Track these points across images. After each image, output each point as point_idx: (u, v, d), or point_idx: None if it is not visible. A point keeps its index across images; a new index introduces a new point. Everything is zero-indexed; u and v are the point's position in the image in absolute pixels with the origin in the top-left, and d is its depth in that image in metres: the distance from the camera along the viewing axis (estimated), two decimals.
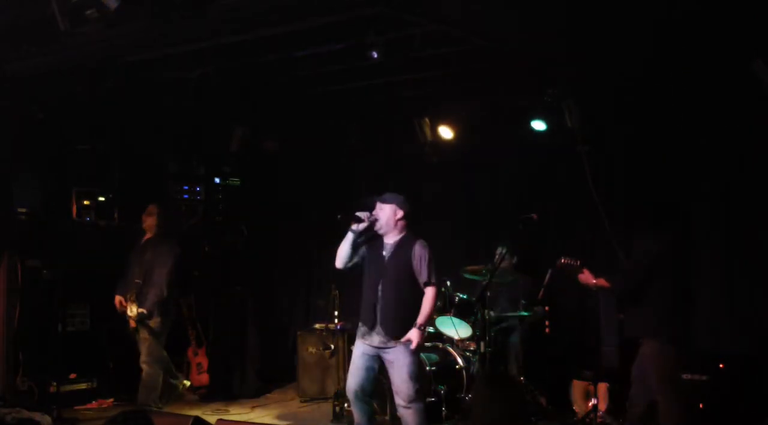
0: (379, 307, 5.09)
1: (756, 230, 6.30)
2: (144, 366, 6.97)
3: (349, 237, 5.15)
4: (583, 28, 5.66)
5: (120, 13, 4.73)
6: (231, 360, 8.01)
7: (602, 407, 6.18)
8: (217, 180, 8.43)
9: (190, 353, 8.03)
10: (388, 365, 5.10)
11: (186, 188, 8.27)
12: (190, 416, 5.61)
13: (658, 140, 6.72)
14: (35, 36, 5.87)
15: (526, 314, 6.73)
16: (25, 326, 7.22)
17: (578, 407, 6.39)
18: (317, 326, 7.78)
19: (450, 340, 6.82)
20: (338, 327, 7.55)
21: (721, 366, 5.87)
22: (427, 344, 6.80)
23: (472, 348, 6.68)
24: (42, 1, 4.94)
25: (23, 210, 7.52)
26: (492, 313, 6.47)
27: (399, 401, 5.07)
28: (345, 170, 8.53)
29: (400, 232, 5.20)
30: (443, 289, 6.85)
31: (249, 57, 6.42)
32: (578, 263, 5.23)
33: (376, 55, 5.96)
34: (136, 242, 7.32)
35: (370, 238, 5.24)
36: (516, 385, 6.36)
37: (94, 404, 7.37)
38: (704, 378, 5.80)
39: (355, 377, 5.12)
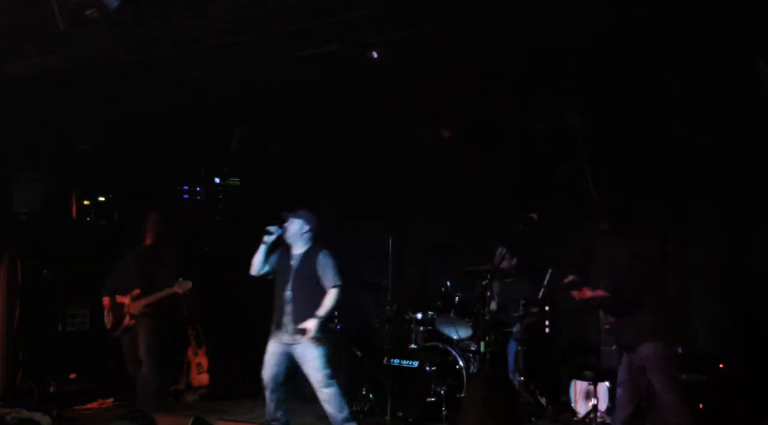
0: (288, 309, 5.77)
1: (756, 230, 6.30)
2: (143, 361, 6.95)
3: (261, 248, 5.88)
4: (583, 27, 5.66)
5: (120, 13, 4.73)
6: (231, 360, 8.01)
7: (602, 407, 6.18)
8: (217, 180, 8.42)
9: (190, 353, 8.03)
10: (298, 359, 5.78)
11: (186, 188, 8.26)
12: (190, 416, 5.64)
13: (659, 140, 6.72)
14: (35, 36, 5.87)
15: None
16: (25, 326, 7.23)
17: (578, 407, 6.40)
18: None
19: (450, 340, 6.82)
20: (338, 326, 7.56)
21: (721, 366, 5.87)
22: (427, 344, 6.83)
23: (472, 348, 6.68)
24: (42, 1, 4.94)
25: (23, 210, 7.53)
26: (491, 311, 6.48)
27: (315, 387, 5.78)
28: (345, 170, 8.53)
29: (306, 243, 5.90)
30: (443, 289, 6.89)
31: (249, 57, 6.41)
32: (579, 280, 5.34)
33: (376, 55, 5.96)
34: (133, 243, 7.22)
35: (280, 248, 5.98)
36: (512, 387, 6.34)
37: (94, 404, 7.37)
38: (704, 378, 5.80)
39: (269, 369, 5.79)
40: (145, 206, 7.38)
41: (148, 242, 7.14)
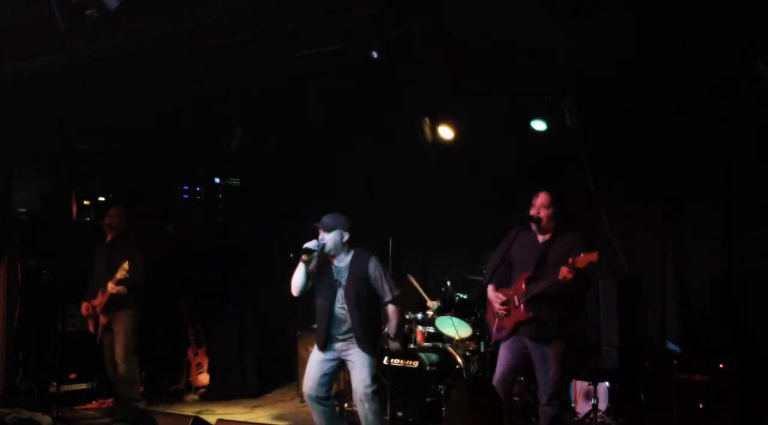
0: (342, 328, 5.22)
1: (756, 229, 6.30)
2: (119, 362, 6.88)
3: (301, 267, 5.25)
4: (583, 26, 5.66)
5: (120, 12, 4.74)
6: (231, 360, 8.01)
7: (602, 407, 6.18)
8: (217, 180, 8.42)
9: (190, 353, 8.03)
10: (350, 366, 5.29)
11: (186, 188, 8.26)
12: (190, 416, 5.64)
13: (659, 139, 6.72)
14: (35, 36, 5.88)
15: None
16: (25, 326, 7.22)
17: (578, 407, 6.40)
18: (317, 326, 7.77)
19: (450, 340, 6.82)
20: None
21: (721, 366, 5.86)
22: (426, 344, 6.83)
23: (472, 348, 6.68)
24: (42, 1, 4.94)
25: (23, 210, 7.53)
26: None
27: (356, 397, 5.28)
28: (345, 171, 8.53)
29: (348, 252, 5.29)
30: (443, 289, 6.89)
31: (249, 57, 6.41)
32: None
33: (376, 55, 5.96)
34: (99, 245, 7.15)
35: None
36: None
37: (94, 404, 7.37)
38: (704, 378, 5.80)
39: (311, 381, 5.28)
40: (146, 207, 7.37)
41: (108, 239, 7.06)
